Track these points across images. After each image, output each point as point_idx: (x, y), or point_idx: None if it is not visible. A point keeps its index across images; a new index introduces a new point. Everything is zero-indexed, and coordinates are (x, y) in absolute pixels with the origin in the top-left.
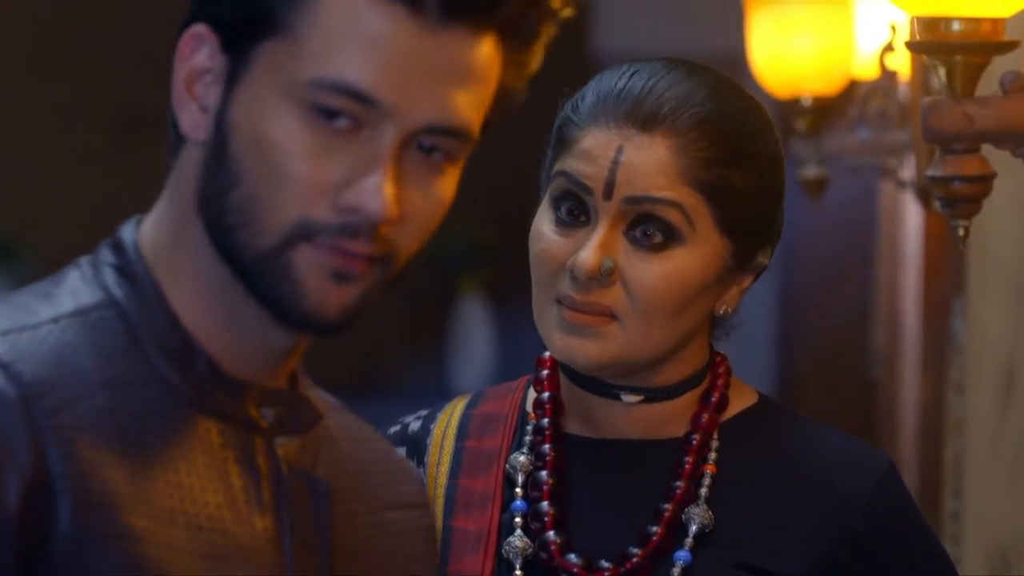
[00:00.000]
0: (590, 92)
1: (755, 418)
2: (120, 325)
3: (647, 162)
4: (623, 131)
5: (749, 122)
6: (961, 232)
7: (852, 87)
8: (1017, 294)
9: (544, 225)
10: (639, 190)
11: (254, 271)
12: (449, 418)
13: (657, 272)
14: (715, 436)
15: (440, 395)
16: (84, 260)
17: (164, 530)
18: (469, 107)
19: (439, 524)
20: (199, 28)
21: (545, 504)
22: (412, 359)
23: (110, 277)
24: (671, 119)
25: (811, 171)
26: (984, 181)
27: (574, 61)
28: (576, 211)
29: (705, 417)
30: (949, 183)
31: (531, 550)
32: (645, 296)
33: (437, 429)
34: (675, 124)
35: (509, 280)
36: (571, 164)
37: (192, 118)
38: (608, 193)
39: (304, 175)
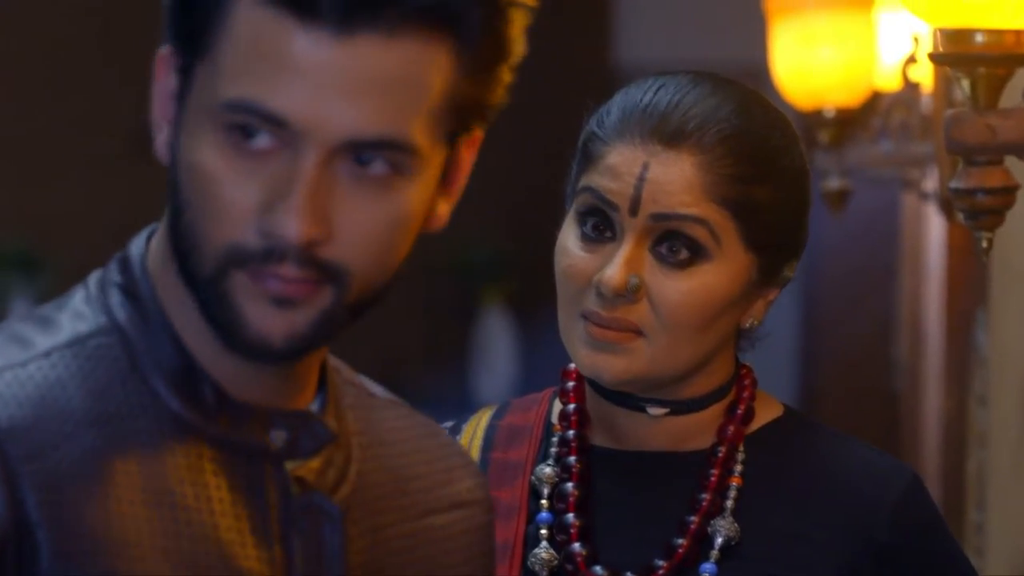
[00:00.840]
0: (615, 107)
1: (781, 430)
2: (120, 352)
3: (673, 179)
4: (648, 147)
5: (775, 137)
6: (984, 244)
7: (875, 99)
8: None
9: (570, 240)
10: (665, 207)
11: (202, 299)
12: (475, 430)
13: (683, 289)
14: (741, 448)
15: (462, 407)
16: (92, 278)
17: (156, 569)
18: (396, 116)
19: None
20: (165, 49)
21: (571, 516)
22: (434, 370)
23: (115, 297)
24: (697, 136)
25: (834, 183)
26: (1007, 193)
27: (596, 73)
28: (602, 226)
29: (731, 429)
30: (972, 195)
31: (557, 562)
32: (671, 313)
33: (463, 440)
34: (701, 141)
35: (532, 292)
36: (596, 180)
37: (162, 141)
38: (634, 210)
39: (225, 199)
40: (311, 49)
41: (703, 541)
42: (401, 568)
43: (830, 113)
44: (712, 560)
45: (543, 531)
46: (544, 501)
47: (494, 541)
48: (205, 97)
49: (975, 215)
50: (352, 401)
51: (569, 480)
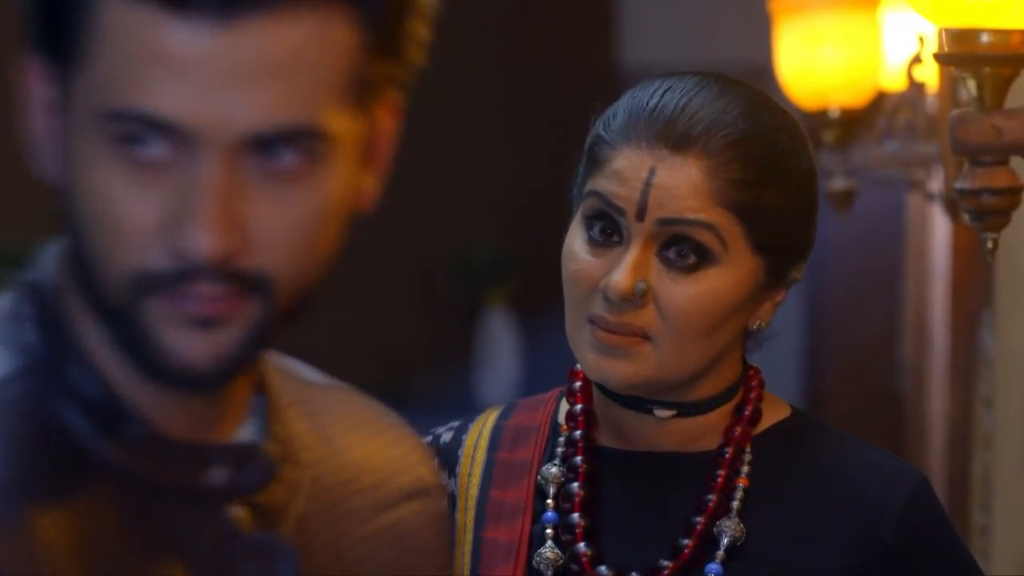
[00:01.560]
0: (621, 110)
1: (788, 431)
2: (29, 404)
3: (680, 184)
4: (655, 152)
5: (783, 140)
6: (990, 244)
7: (880, 99)
8: None
9: (576, 244)
10: (672, 212)
11: (112, 328)
12: (481, 429)
13: (690, 293)
14: (748, 449)
15: (466, 408)
16: (4, 307)
17: None
18: (298, 101)
19: (470, 536)
20: (29, 57)
21: (576, 516)
22: (438, 371)
23: (29, 333)
24: (704, 140)
25: (839, 183)
26: (1013, 193)
27: (599, 73)
28: (608, 231)
29: (738, 430)
30: (978, 195)
31: (562, 561)
32: (678, 317)
33: (469, 440)
34: (708, 145)
35: (536, 292)
36: (603, 184)
37: (46, 159)
38: (641, 215)
39: (124, 219)
40: (191, 42)
41: (709, 542)
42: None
43: (835, 113)
44: (718, 561)
45: (548, 530)
46: (550, 501)
47: (450, 532)
48: (85, 108)
49: (980, 216)
50: (291, 398)
51: (575, 480)
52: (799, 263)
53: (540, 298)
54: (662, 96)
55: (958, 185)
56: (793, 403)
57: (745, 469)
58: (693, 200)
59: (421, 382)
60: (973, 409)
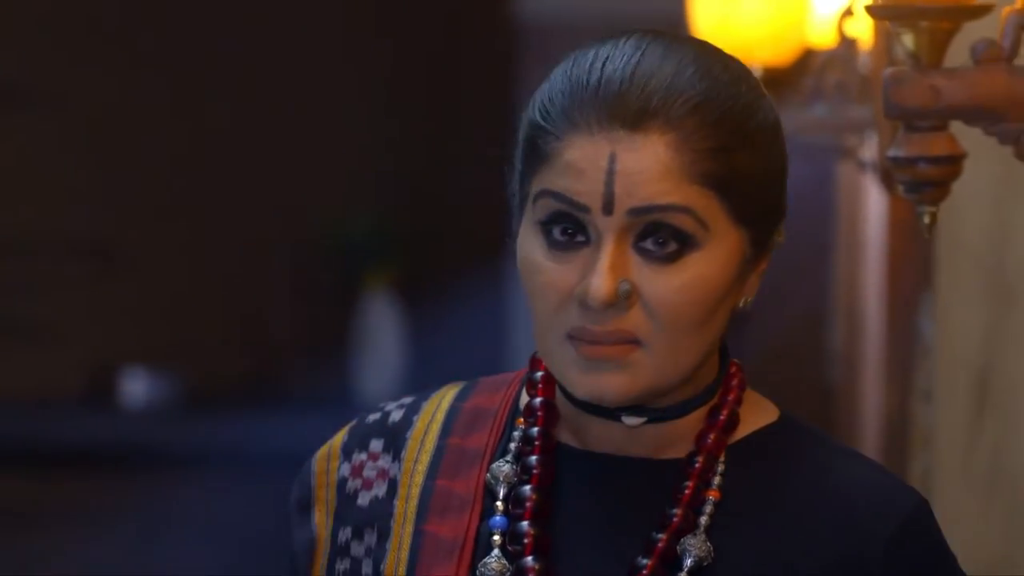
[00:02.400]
0: (558, 93)
1: (771, 439)
2: None
3: (646, 166)
4: (611, 135)
5: (744, 93)
6: (927, 219)
7: (807, 57)
8: (992, 289)
9: (536, 252)
10: (643, 199)
11: None
12: (435, 411)
13: (677, 285)
14: (722, 459)
15: (344, 404)
16: None
17: None
18: None
19: (410, 528)
20: None
21: (526, 524)
22: (311, 363)
23: None
24: (664, 111)
25: None
26: (953, 162)
27: (493, 28)
28: (571, 231)
29: (711, 437)
30: (914, 164)
31: (508, 574)
32: (669, 314)
33: (420, 423)
34: (669, 116)
35: (421, 273)
36: (557, 181)
37: None
38: (608, 208)
39: None
40: None
41: (671, 562)
42: None
43: (757, 73)
44: None
45: (495, 537)
46: (499, 503)
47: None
48: None
49: (917, 187)
50: None
51: (528, 482)
52: (780, 224)
53: (426, 279)
54: (602, 69)
55: (891, 153)
56: None
57: (717, 481)
58: (664, 182)
59: (293, 374)
60: (911, 404)
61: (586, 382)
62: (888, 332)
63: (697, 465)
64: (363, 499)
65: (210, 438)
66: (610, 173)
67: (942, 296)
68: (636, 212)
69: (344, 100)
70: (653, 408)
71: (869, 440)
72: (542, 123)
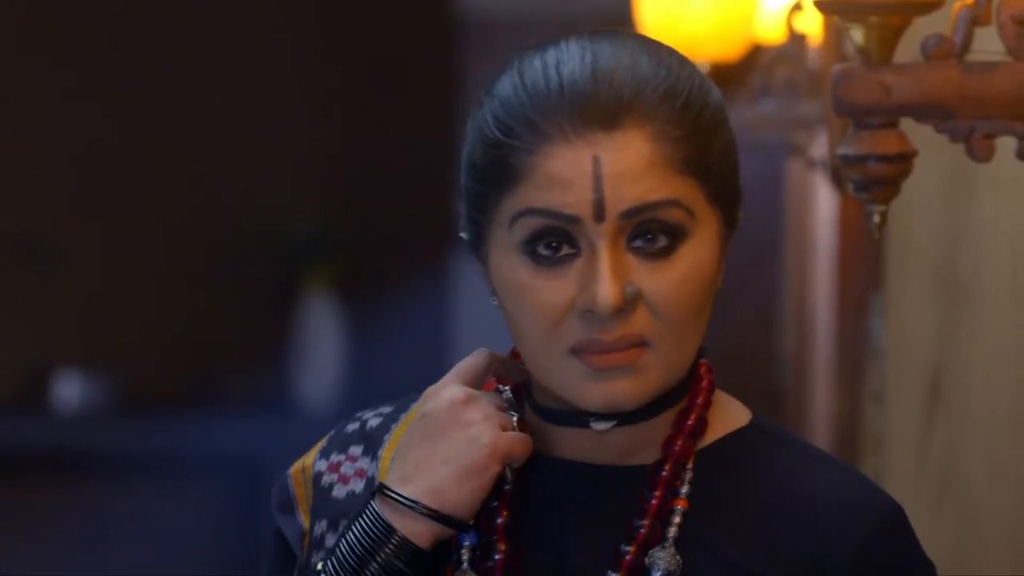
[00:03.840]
0: (516, 105)
1: (741, 445)
2: None
3: (631, 165)
4: (589, 137)
5: (695, 75)
6: (877, 219)
7: (755, 52)
8: (943, 290)
9: (521, 274)
10: (634, 200)
11: None
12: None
13: (675, 279)
14: (690, 466)
15: (283, 408)
16: None
17: None
18: None
19: None
20: None
21: (495, 541)
22: (250, 366)
23: None
24: (637, 105)
25: None
26: (903, 160)
27: (434, 23)
28: (556, 244)
29: (678, 443)
30: (863, 162)
31: None
32: (671, 309)
33: (399, 429)
34: (643, 109)
35: (362, 274)
36: (539, 197)
37: None
38: (600, 215)
39: None
40: None
41: (640, 575)
42: None
43: (704, 68)
44: None
45: (465, 554)
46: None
47: None
48: None
49: (866, 185)
50: None
51: (498, 499)
52: (740, 200)
53: (366, 280)
54: (559, 72)
55: (841, 150)
56: None
57: (685, 489)
58: (652, 178)
59: (231, 376)
60: (861, 407)
61: (598, 392)
62: (838, 333)
63: (664, 473)
64: (339, 492)
65: (146, 443)
66: (597, 178)
67: (892, 297)
68: (629, 214)
69: (283, 98)
70: (623, 411)
71: (819, 443)
72: (506, 139)
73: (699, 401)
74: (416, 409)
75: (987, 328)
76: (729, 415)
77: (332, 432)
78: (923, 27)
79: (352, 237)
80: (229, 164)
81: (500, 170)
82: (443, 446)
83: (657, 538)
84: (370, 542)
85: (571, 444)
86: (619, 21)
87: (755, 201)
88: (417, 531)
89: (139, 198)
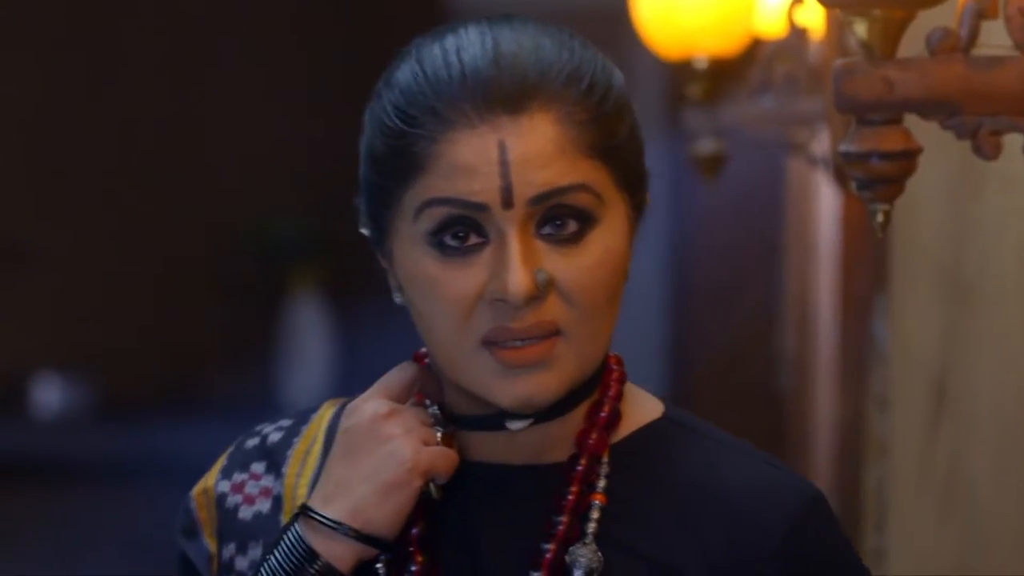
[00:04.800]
0: (417, 94)
1: (655, 436)
2: None
3: (538, 149)
4: (494, 123)
5: (597, 57)
6: (881, 218)
7: (755, 47)
8: (949, 290)
9: (427, 266)
10: (542, 186)
11: None
12: (317, 431)
13: (587, 264)
14: (605, 460)
15: (269, 410)
16: None
17: None
18: None
19: None
20: None
21: (412, 553)
22: (234, 368)
23: None
24: (542, 88)
25: (707, 146)
26: (907, 158)
27: (423, 19)
28: (464, 234)
29: (593, 437)
30: (866, 160)
31: None
32: (584, 295)
33: (302, 443)
34: (548, 92)
35: (348, 272)
36: (445, 186)
37: None
38: (508, 201)
39: None
40: None
41: (561, 573)
42: None
43: (702, 64)
44: None
45: (380, 568)
46: None
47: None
48: None
49: (869, 184)
50: None
51: (414, 510)
52: (646, 184)
53: (353, 279)
54: (461, 58)
55: (843, 148)
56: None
57: (602, 484)
58: (560, 162)
59: (215, 378)
60: (865, 410)
61: (511, 390)
62: (841, 335)
63: (580, 468)
64: (245, 513)
65: (127, 447)
66: (503, 164)
67: (897, 298)
68: (537, 200)
69: (267, 98)
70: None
71: (822, 448)
72: (408, 129)
73: (611, 394)
74: (340, 424)
75: (994, 329)
76: (642, 408)
77: (231, 448)
78: (928, 21)
79: (337, 238)
80: (213, 165)
81: (403, 160)
82: (364, 463)
83: (576, 535)
84: (292, 568)
85: (484, 447)
86: (617, 15)
87: (755, 200)
88: (340, 554)
89: (120, 201)
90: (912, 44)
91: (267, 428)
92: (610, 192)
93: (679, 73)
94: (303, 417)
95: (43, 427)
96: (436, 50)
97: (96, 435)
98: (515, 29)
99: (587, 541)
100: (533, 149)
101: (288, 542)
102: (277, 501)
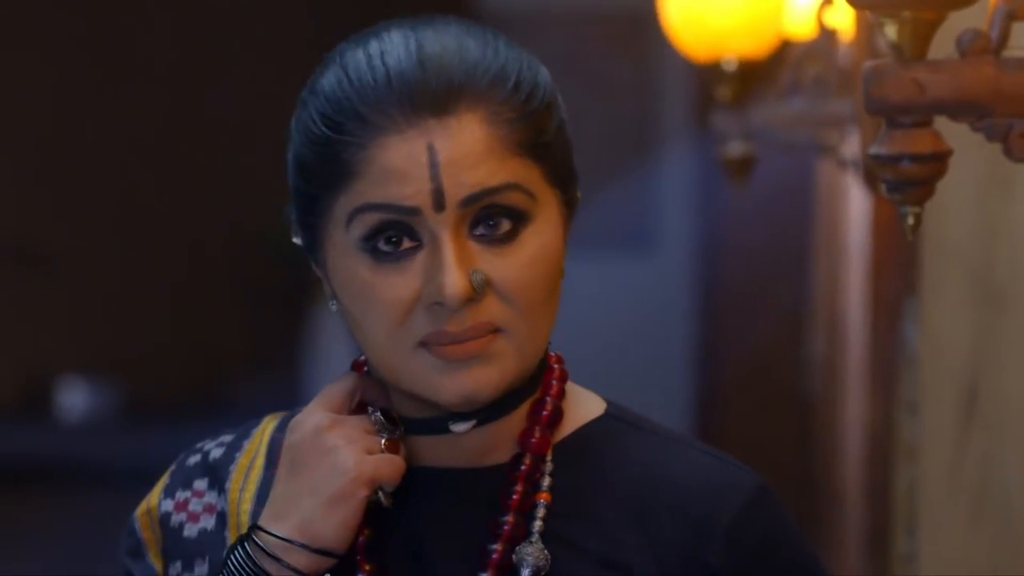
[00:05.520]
0: (343, 100)
1: (598, 434)
2: None
3: (467, 150)
4: (421, 126)
5: (522, 56)
6: (911, 220)
7: (784, 49)
8: (979, 293)
9: (361, 272)
10: (473, 186)
11: None
12: (258, 446)
13: (523, 263)
14: (549, 458)
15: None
16: None
17: None
18: None
19: None
20: None
21: (359, 562)
22: (259, 373)
23: None
24: (468, 88)
25: (735, 149)
26: (938, 160)
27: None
28: (397, 239)
29: (535, 436)
30: (896, 162)
31: None
32: (522, 294)
33: (244, 457)
34: (474, 92)
35: None
36: (376, 192)
37: None
38: (440, 204)
39: None
40: None
41: (509, 573)
42: None
43: (731, 65)
44: None
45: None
46: None
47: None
48: None
49: (900, 186)
50: None
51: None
52: (577, 184)
53: None
54: (385, 62)
55: (873, 150)
56: (683, 408)
57: (546, 482)
58: (490, 162)
59: (239, 383)
60: (895, 415)
61: (453, 385)
62: (870, 339)
63: (524, 467)
64: (190, 531)
65: (152, 450)
66: (434, 167)
67: (927, 301)
68: (469, 201)
69: (292, 102)
70: (480, 409)
71: (851, 454)
72: (336, 136)
73: (552, 392)
74: (284, 440)
75: None
76: (584, 405)
77: (173, 467)
78: (958, 22)
79: None
80: (237, 171)
81: (332, 168)
82: (308, 477)
83: (522, 534)
84: None
85: (426, 451)
86: (645, 17)
87: (784, 203)
88: (292, 569)
89: (146, 205)
90: (943, 46)
91: (208, 444)
92: (542, 189)
93: (708, 75)
94: (244, 432)
95: (68, 430)
96: (360, 55)
97: (120, 439)
98: (438, 31)
99: (533, 540)
100: (462, 150)
101: (235, 563)
102: (222, 517)
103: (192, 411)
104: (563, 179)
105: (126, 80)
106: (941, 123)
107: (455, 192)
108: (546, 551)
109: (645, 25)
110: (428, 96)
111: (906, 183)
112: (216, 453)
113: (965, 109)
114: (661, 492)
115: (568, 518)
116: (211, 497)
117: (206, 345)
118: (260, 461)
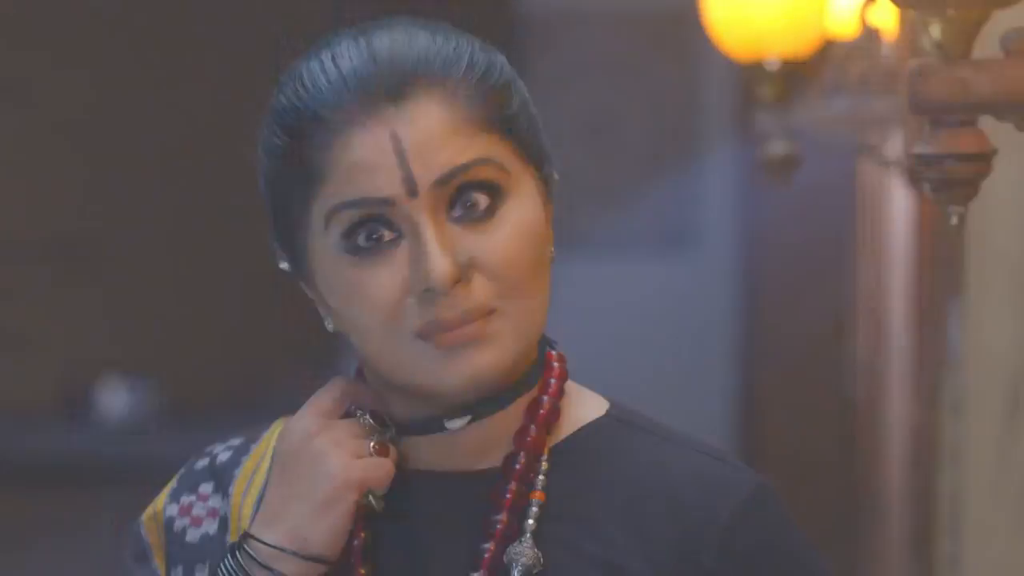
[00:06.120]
0: (301, 107)
1: (599, 435)
2: None
3: (430, 132)
4: (381, 115)
5: (474, 41)
6: (955, 220)
7: (827, 48)
8: None
9: (345, 270)
10: (443, 166)
11: None
12: (265, 449)
13: (505, 237)
14: (544, 458)
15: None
16: None
17: None
18: None
19: None
20: None
21: (354, 565)
22: (300, 372)
23: None
24: (422, 73)
25: (778, 148)
26: (982, 160)
27: (495, 24)
28: (376, 234)
29: (532, 434)
30: (940, 162)
31: None
32: (507, 271)
33: (250, 462)
34: (428, 75)
35: None
36: (348, 190)
37: None
38: (413, 190)
39: None
40: None
41: (501, 572)
42: None
43: (773, 65)
44: None
45: None
46: None
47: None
48: None
49: (944, 186)
50: None
51: (353, 525)
52: (550, 161)
53: None
54: (337, 65)
55: (917, 149)
56: (723, 409)
57: (541, 481)
58: (456, 141)
59: (280, 382)
60: (938, 417)
61: (455, 370)
62: (914, 340)
63: (518, 465)
64: (192, 536)
65: (193, 450)
66: (400, 154)
67: (972, 302)
68: (441, 181)
69: None
70: (476, 406)
71: (894, 457)
72: (298, 141)
73: (551, 391)
74: (275, 447)
75: None
76: (585, 407)
77: (182, 470)
78: (1003, 21)
79: None
80: None
81: (300, 175)
82: (297, 483)
83: (515, 533)
84: None
85: (422, 454)
86: (686, 17)
87: (827, 203)
88: None
89: (186, 204)
90: (987, 45)
91: (217, 448)
92: (515, 164)
93: (750, 75)
94: (254, 436)
95: (108, 430)
96: (312, 64)
97: (161, 438)
98: (387, 28)
99: (525, 539)
100: (426, 133)
101: (226, 572)
102: (223, 521)
103: (232, 411)
104: (535, 156)
105: (170, 78)
106: (985, 122)
107: (426, 175)
108: (538, 551)
109: (687, 25)
110: (383, 85)
111: (950, 183)
112: (223, 457)
113: (1010, 108)
114: (659, 493)
115: (563, 518)
116: (215, 501)
117: (247, 345)
118: (265, 465)
